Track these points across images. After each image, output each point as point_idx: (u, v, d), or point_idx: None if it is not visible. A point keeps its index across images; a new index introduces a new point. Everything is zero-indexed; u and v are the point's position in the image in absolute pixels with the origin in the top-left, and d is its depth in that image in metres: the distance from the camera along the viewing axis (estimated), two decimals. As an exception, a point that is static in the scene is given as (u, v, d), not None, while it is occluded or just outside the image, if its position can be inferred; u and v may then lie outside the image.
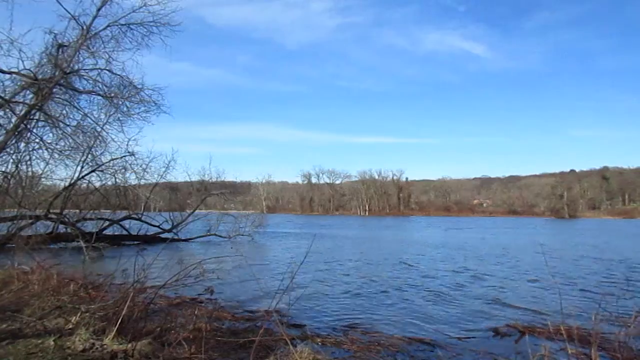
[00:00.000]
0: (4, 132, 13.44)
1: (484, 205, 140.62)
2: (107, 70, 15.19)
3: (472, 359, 5.41)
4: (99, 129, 16.48)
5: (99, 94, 15.52)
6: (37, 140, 14.54)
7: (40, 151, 14.80)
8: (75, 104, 15.48)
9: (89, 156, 17.50)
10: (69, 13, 13.82)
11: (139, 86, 15.99)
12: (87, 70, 15.08)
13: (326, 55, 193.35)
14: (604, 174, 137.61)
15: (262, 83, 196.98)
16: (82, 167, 17.88)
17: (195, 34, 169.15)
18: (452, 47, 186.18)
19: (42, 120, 14.67)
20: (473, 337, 6.47)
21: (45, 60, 14.20)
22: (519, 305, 8.87)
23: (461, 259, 17.35)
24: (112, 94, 15.65)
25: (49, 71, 14.31)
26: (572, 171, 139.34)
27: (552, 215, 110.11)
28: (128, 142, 17.58)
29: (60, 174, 17.68)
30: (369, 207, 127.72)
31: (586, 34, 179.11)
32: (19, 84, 13.47)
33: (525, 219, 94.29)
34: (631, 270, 14.54)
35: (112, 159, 18.25)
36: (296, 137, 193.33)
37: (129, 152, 18.14)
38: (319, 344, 5.48)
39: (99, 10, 14.42)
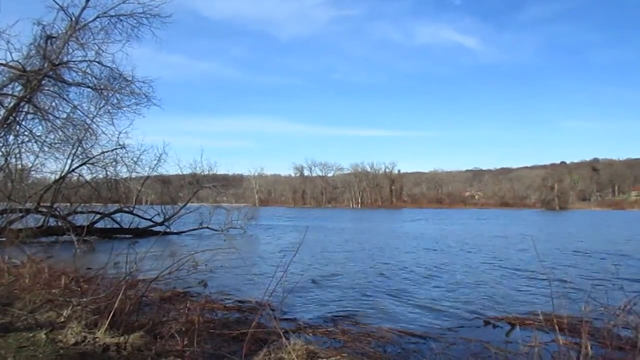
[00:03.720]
0: (-8, 124, 13.28)
1: (476, 197, 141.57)
2: (97, 62, 15.01)
3: (464, 347, 5.45)
4: (89, 122, 16.35)
5: (88, 86, 15.36)
6: (26, 133, 14.40)
7: (29, 144, 14.67)
8: (65, 96, 15.32)
9: (79, 149, 17.35)
10: (57, 4, 13.64)
11: (129, 78, 15.84)
12: (76, 62, 14.88)
13: (320, 48, 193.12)
14: (594, 166, 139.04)
15: (256, 76, 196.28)
16: (73, 160, 17.73)
17: (188, 26, 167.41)
18: (446, 41, 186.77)
19: (31, 113, 14.50)
20: (464, 327, 6.54)
21: (33, 51, 14.02)
22: (508, 296, 8.97)
23: (451, 251, 17.50)
24: (102, 86, 15.47)
25: (37, 63, 14.11)
26: (563, 163, 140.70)
27: (542, 206, 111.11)
28: (119, 134, 17.50)
29: (51, 167, 17.54)
30: (361, 199, 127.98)
31: (578, 28, 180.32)
32: (7, 75, 13.30)
33: (516, 211, 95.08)
34: (620, 260, 14.74)
35: (103, 152, 18.11)
36: (289, 130, 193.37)
37: (119, 144, 18.05)
38: (311, 334, 5.51)
39: (87, 1, 14.22)
